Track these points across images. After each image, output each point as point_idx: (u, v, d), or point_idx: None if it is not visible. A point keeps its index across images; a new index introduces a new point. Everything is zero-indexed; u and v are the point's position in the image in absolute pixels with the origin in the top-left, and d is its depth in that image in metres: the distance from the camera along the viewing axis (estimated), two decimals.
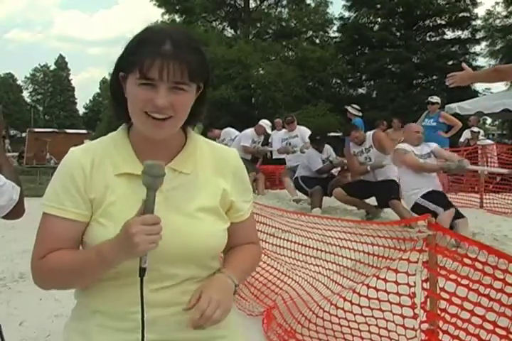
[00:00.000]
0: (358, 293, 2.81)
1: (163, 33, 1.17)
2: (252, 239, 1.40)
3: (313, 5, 28.59)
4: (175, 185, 1.22)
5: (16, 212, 1.57)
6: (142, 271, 1.11)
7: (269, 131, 8.82)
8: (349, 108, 9.53)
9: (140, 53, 1.14)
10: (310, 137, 7.66)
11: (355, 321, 2.81)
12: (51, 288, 1.26)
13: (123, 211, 1.16)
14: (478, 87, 24.83)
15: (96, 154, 1.22)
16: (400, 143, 5.59)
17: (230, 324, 1.30)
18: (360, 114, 9.44)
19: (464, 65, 3.22)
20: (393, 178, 6.29)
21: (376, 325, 2.69)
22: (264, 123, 8.78)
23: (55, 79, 61.87)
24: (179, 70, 1.13)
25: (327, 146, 7.46)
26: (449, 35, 26.07)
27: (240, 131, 9.25)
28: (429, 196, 5.11)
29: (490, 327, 2.08)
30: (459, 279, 2.24)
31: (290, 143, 8.38)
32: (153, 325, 1.18)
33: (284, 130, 8.85)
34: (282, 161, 9.01)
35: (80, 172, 1.19)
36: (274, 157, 9.26)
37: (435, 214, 4.77)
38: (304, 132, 8.44)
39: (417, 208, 5.10)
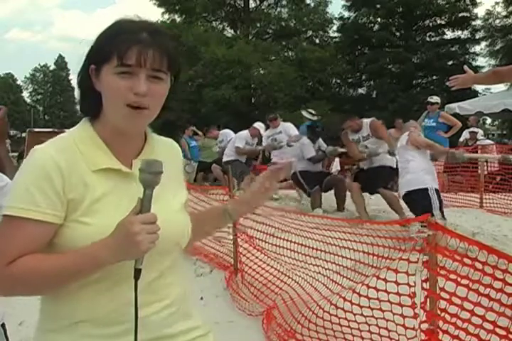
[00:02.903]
0: (358, 293, 2.81)
1: (138, 23, 1.18)
2: None
3: (312, 5, 28.58)
4: None
5: None
6: (137, 273, 1.07)
7: (263, 133, 8.88)
8: (303, 112, 9.68)
9: (117, 42, 1.13)
10: (310, 127, 7.69)
11: (355, 321, 2.81)
12: (17, 295, 1.17)
13: (109, 207, 1.14)
14: (478, 86, 24.82)
15: (67, 151, 1.15)
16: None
17: (197, 315, 1.34)
18: (315, 118, 9.59)
19: (465, 67, 3.22)
20: (389, 165, 6.45)
21: (376, 325, 2.69)
22: (259, 125, 8.90)
23: (54, 79, 61.82)
24: (158, 57, 1.13)
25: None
26: (449, 35, 26.11)
27: (238, 131, 9.30)
28: (439, 196, 5.11)
29: (490, 327, 2.08)
30: (458, 279, 2.24)
31: (276, 139, 8.48)
32: (143, 324, 1.15)
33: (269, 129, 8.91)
34: None
35: (56, 172, 1.11)
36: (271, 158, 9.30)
37: (429, 210, 4.67)
38: (288, 127, 8.58)
39: (423, 193, 4.99)
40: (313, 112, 9.70)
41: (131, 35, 1.13)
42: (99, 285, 1.14)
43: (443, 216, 4.97)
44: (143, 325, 1.14)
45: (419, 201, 4.97)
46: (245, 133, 8.83)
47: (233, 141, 8.82)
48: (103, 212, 1.13)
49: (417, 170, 5.18)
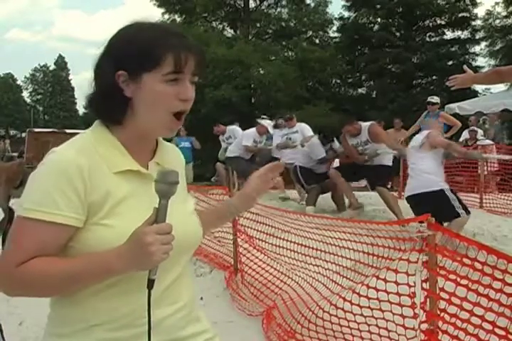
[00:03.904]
0: (358, 293, 2.81)
1: (173, 28, 1.20)
2: None
3: (312, 5, 28.58)
4: None
5: None
6: (151, 283, 1.05)
7: (271, 130, 8.81)
8: (259, 120, 9.76)
9: (165, 47, 1.12)
10: (322, 132, 7.52)
11: (355, 321, 2.81)
12: (26, 296, 1.17)
13: (130, 210, 1.14)
14: (478, 87, 24.74)
15: (87, 153, 1.14)
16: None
17: (205, 318, 1.35)
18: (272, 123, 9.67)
19: (465, 67, 3.22)
20: (386, 164, 6.52)
21: (376, 325, 2.69)
22: (266, 122, 8.79)
23: (54, 79, 61.78)
24: (197, 62, 1.16)
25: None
26: (449, 35, 26.04)
27: (242, 130, 9.27)
28: (456, 194, 5.10)
29: (489, 327, 2.09)
30: (458, 279, 2.24)
31: (290, 138, 8.38)
32: (159, 326, 1.16)
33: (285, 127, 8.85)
34: None
35: (78, 174, 1.10)
36: (272, 155, 9.20)
37: (453, 211, 4.82)
38: (304, 128, 8.48)
39: (439, 195, 4.96)
40: (267, 118, 9.91)
41: (174, 42, 1.13)
42: (114, 289, 1.13)
43: (468, 212, 4.97)
44: (158, 327, 1.14)
45: (432, 203, 4.83)
46: (253, 131, 8.71)
47: (240, 138, 8.73)
48: (125, 214, 1.13)
49: (427, 173, 5.12)
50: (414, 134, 9.76)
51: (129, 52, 1.14)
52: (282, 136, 8.54)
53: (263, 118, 9.88)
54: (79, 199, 1.10)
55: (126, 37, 1.16)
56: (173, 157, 1.33)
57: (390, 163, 6.60)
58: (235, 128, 9.68)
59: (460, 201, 5.01)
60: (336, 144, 7.26)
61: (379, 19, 26.02)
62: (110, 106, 1.17)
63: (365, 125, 6.54)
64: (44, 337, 1.22)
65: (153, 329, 1.10)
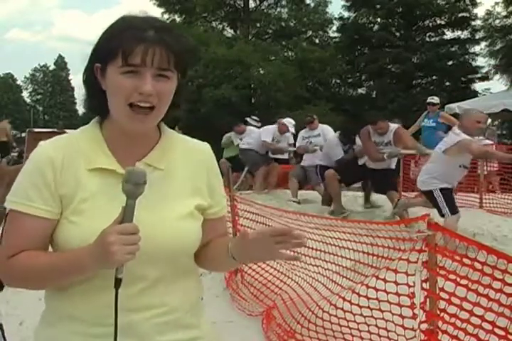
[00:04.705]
0: (358, 293, 2.81)
1: (144, 20, 1.14)
2: (225, 232, 1.38)
3: (312, 5, 28.62)
4: (150, 181, 1.11)
5: None
6: (118, 282, 1.06)
7: (292, 130, 8.47)
8: (248, 119, 9.65)
9: (121, 39, 1.10)
10: (344, 133, 7.29)
11: (355, 321, 2.81)
12: (20, 287, 1.22)
13: (96, 208, 1.13)
14: (478, 87, 24.86)
15: (67, 149, 1.16)
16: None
17: (204, 324, 1.29)
18: (259, 124, 9.59)
19: None
20: (393, 167, 6.49)
21: (375, 325, 2.69)
22: (288, 122, 8.50)
23: (54, 79, 61.81)
24: (164, 56, 1.10)
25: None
26: (449, 35, 26.08)
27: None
28: (446, 193, 5.08)
29: (489, 327, 2.09)
30: (458, 279, 2.24)
31: (311, 142, 8.05)
32: (132, 330, 1.14)
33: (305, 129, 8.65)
34: (283, 161, 8.92)
35: (49, 167, 1.13)
36: (272, 156, 9.10)
37: (440, 210, 4.97)
38: (326, 130, 8.15)
39: (428, 195, 5.19)
40: (257, 119, 9.84)
41: (136, 33, 1.10)
42: (86, 286, 1.14)
43: (453, 212, 4.96)
44: (128, 330, 1.13)
45: (430, 201, 5.17)
46: (273, 127, 8.47)
47: (258, 133, 8.46)
48: (89, 212, 1.13)
49: (429, 173, 5.19)
50: (414, 134, 9.83)
51: (99, 46, 1.16)
52: (303, 139, 8.26)
53: (253, 118, 9.82)
54: (49, 192, 1.14)
55: (103, 31, 1.17)
56: (188, 156, 1.25)
57: (394, 166, 6.57)
58: (252, 130, 9.32)
59: (448, 201, 5.01)
60: (358, 143, 6.88)
61: (379, 19, 26.05)
62: (93, 99, 1.19)
63: (392, 126, 6.38)
64: (36, 327, 1.25)
65: (124, 331, 1.10)
